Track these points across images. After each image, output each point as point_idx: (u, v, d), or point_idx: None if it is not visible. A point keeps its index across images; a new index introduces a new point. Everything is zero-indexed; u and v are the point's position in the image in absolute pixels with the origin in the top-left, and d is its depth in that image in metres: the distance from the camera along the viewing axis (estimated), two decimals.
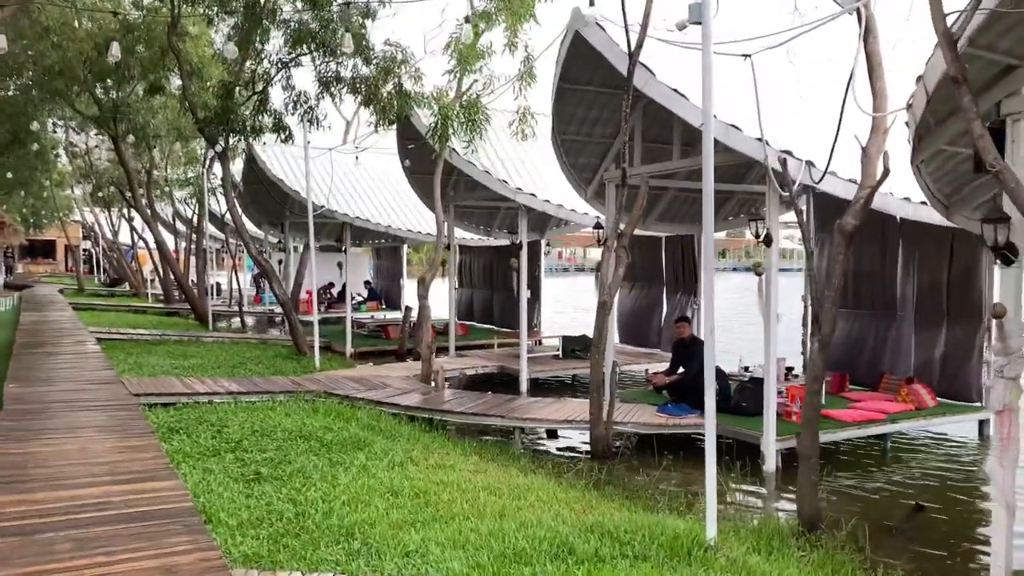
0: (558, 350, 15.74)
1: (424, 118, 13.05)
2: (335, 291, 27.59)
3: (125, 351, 14.96)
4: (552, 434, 10.34)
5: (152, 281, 36.79)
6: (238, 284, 27.66)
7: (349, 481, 6.42)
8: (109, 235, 40.65)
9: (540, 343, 21.08)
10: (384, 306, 27.77)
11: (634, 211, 8.70)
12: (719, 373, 8.86)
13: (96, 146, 33.00)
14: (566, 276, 70.64)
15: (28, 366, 11.24)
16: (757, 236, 9.03)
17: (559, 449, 10.07)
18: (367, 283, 29.15)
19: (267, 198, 21.03)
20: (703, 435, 5.90)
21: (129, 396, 9.22)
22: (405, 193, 19.75)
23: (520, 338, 13.67)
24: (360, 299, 28.05)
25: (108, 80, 19.68)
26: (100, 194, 33.18)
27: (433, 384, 11.82)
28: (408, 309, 18.52)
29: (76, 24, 16.81)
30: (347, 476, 6.59)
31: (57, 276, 51.18)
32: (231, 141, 14.35)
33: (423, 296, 12.04)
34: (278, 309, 29.70)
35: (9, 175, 22.97)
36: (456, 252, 25.92)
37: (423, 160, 15.11)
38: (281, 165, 18.93)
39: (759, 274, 9.48)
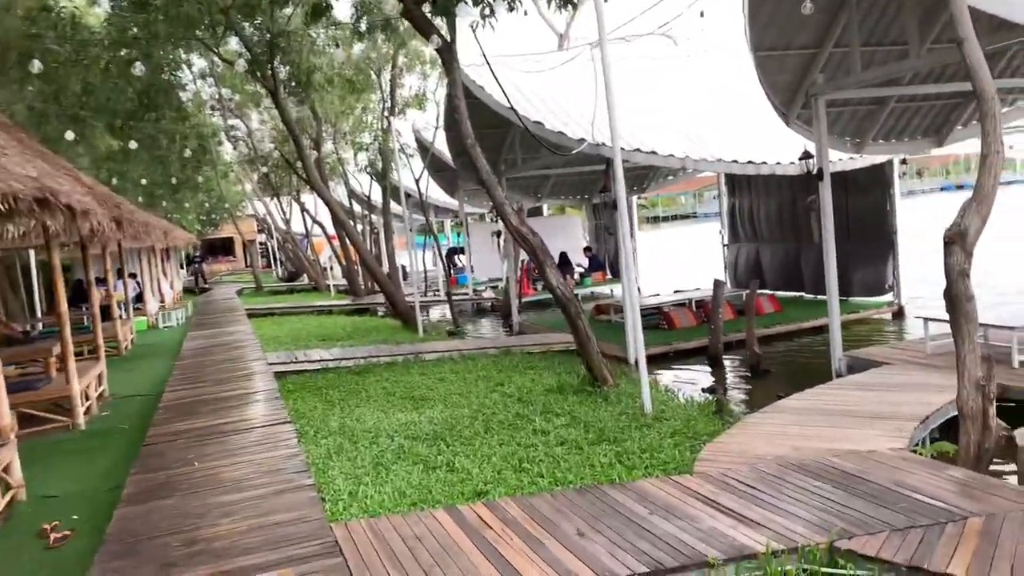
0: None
1: None
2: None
3: (324, 402, 9.31)
4: None
5: (330, 269, 32.48)
6: (443, 266, 22.12)
7: None
8: (282, 224, 36.93)
9: (903, 316, 13.94)
10: (611, 276, 21.21)
11: None
12: None
13: (258, 128, 29.12)
14: None
15: (152, 486, 5.52)
16: None
17: None
18: (587, 250, 22.66)
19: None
20: None
21: None
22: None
23: None
24: (580, 270, 21.65)
25: (256, 13, 14.33)
26: (265, 172, 28.99)
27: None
28: (720, 284, 11.77)
29: None
30: None
31: (236, 274, 48.74)
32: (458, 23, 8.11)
33: (964, 271, 5.06)
34: (487, 293, 24.09)
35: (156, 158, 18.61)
36: (724, 193, 18.87)
37: (793, 18, 8.17)
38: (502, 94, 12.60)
39: None
